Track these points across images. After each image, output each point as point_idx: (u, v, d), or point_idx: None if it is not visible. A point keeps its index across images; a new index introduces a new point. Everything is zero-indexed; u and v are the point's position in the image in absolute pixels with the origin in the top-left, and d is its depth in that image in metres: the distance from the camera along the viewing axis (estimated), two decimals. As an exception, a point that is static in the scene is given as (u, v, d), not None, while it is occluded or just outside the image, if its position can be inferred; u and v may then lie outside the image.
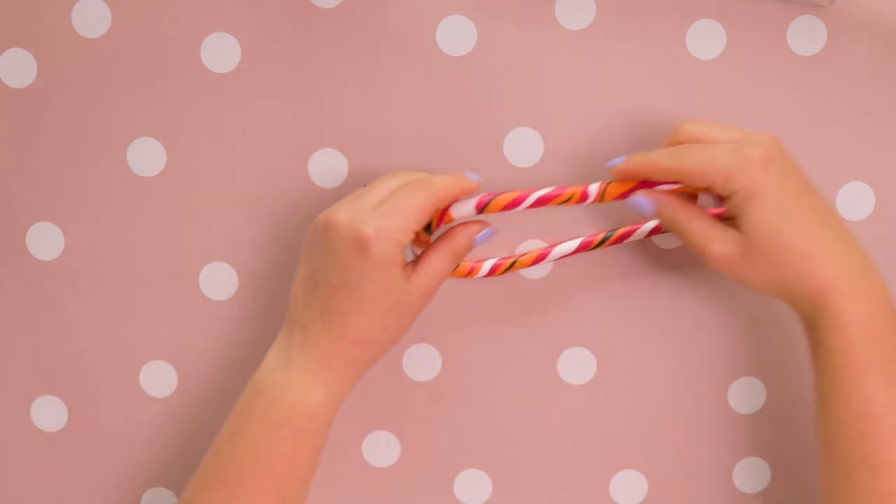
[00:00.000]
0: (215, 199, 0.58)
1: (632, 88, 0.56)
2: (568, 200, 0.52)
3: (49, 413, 0.60)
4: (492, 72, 0.56)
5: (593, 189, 0.52)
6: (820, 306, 0.49)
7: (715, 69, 0.55)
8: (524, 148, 0.57)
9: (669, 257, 0.57)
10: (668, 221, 0.52)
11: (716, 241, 0.50)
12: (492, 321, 0.58)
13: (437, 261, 0.52)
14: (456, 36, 0.56)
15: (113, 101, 0.57)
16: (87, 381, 0.60)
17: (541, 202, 0.52)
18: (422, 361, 0.59)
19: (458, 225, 0.53)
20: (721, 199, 0.50)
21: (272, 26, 0.56)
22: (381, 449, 0.60)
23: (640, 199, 0.52)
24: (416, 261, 0.52)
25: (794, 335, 0.58)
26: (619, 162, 0.52)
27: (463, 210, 0.52)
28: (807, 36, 0.55)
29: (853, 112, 0.56)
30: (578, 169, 0.57)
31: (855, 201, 0.57)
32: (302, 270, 0.52)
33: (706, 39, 0.55)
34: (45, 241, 0.59)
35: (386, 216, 0.49)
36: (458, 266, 0.55)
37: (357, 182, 0.57)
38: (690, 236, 0.51)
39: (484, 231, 0.54)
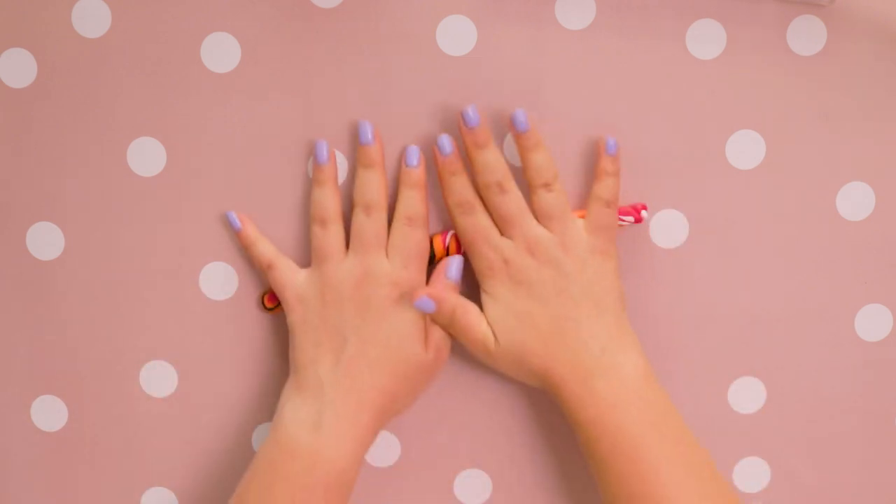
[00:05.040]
0: (215, 199, 0.58)
1: (632, 88, 0.56)
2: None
3: (49, 413, 0.60)
4: (492, 72, 0.56)
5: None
6: (559, 397, 0.54)
7: (715, 69, 0.56)
8: (524, 148, 0.57)
9: (669, 257, 0.58)
10: (447, 319, 0.55)
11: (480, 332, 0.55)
12: (492, 321, 0.58)
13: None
14: (456, 36, 0.56)
15: (113, 101, 0.57)
16: (87, 381, 0.60)
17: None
18: (422, 361, 0.59)
19: (431, 279, 0.56)
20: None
21: (272, 26, 0.56)
22: (381, 449, 0.60)
23: (424, 301, 0.54)
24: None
25: (794, 335, 0.58)
26: None
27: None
28: (807, 36, 0.55)
29: (853, 112, 0.56)
30: (578, 169, 0.57)
31: (855, 201, 0.57)
32: (316, 332, 0.55)
33: (706, 39, 0.55)
34: (45, 241, 0.59)
35: (410, 267, 0.55)
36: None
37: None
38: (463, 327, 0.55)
39: (451, 265, 0.56)
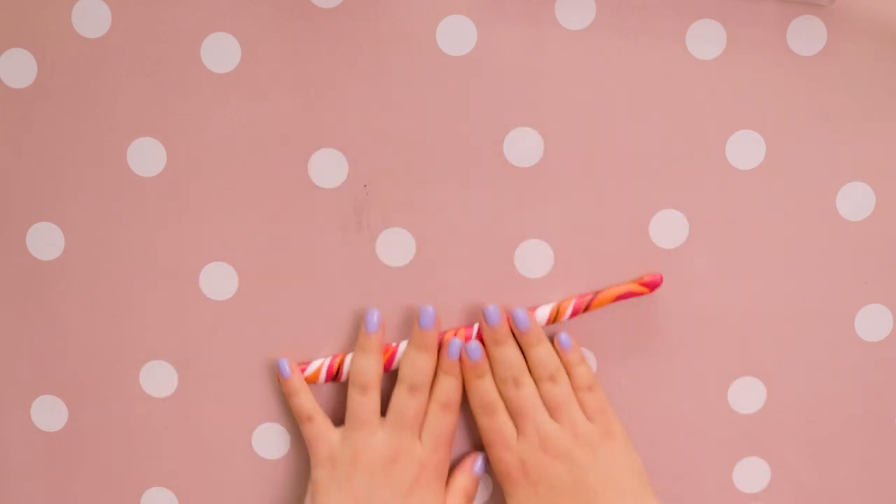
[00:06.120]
0: (215, 199, 0.58)
1: (632, 88, 0.56)
2: None
3: (49, 413, 0.60)
4: (492, 72, 0.56)
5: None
6: None
7: (715, 69, 0.56)
8: (524, 148, 0.57)
9: (669, 257, 0.58)
10: None
11: None
12: (492, 321, 0.58)
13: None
14: (456, 36, 0.56)
15: (113, 101, 0.57)
16: (87, 381, 0.60)
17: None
18: (422, 361, 0.59)
19: (457, 469, 0.58)
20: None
21: (272, 26, 0.56)
22: (381, 449, 0.60)
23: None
24: None
25: (794, 335, 0.58)
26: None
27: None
28: (807, 36, 0.55)
29: (853, 112, 0.56)
30: (578, 169, 0.57)
31: (855, 201, 0.57)
32: (342, 494, 0.56)
33: (706, 39, 0.55)
34: (45, 241, 0.59)
35: (439, 451, 0.57)
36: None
37: (357, 182, 0.57)
38: None
39: (477, 462, 0.58)
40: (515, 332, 0.56)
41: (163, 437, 0.60)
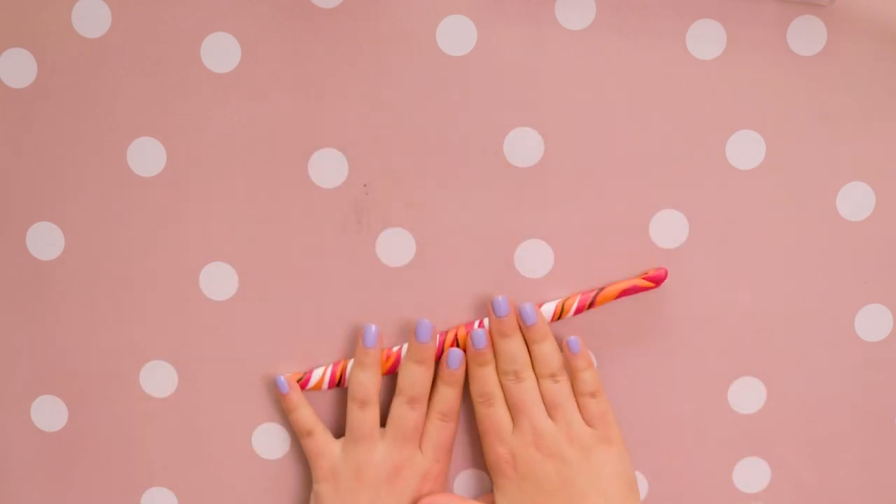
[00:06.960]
0: (215, 199, 0.58)
1: (632, 88, 0.56)
2: None
3: (49, 413, 0.60)
4: (492, 72, 0.56)
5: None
6: None
7: (715, 69, 0.56)
8: (524, 148, 0.57)
9: (669, 257, 0.58)
10: None
11: None
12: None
13: None
14: (456, 36, 0.56)
15: (113, 101, 0.57)
16: (87, 381, 0.60)
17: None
18: (422, 361, 0.59)
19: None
20: None
21: (272, 26, 0.56)
22: (381, 449, 0.60)
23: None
24: None
25: (794, 335, 0.58)
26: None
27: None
28: (807, 36, 0.55)
29: (853, 112, 0.56)
30: (578, 169, 0.57)
31: (855, 201, 0.57)
32: None
33: (706, 39, 0.55)
34: (45, 241, 0.59)
35: (440, 460, 0.57)
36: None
37: (357, 182, 0.57)
38: None
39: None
40: (522, 326, 0.56)
41: (163, 437, 0.60)
